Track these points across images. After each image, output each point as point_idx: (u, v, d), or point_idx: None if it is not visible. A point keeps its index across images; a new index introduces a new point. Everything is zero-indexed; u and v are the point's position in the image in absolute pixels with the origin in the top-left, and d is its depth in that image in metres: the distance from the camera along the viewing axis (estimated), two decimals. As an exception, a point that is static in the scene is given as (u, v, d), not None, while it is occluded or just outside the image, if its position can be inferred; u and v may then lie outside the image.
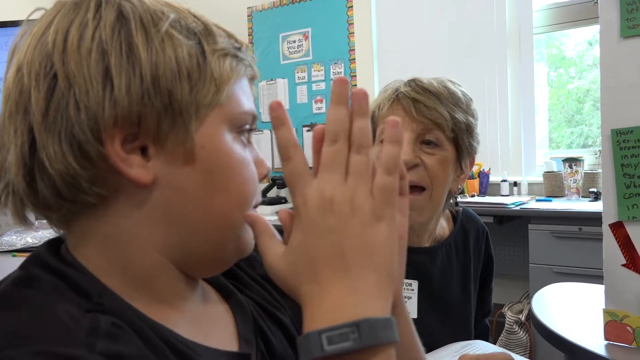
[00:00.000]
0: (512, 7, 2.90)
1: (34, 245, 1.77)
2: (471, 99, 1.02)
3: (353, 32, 3.37)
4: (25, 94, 0.43)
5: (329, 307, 0.40)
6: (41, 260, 0.45)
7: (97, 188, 0.43)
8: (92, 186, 0.43)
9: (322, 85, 3.51)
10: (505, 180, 2.83)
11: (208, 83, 0.45)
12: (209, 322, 0.52)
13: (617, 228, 0.94)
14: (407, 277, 1.02)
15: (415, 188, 0.95)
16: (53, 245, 0.48)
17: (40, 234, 1.83)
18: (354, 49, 3.38)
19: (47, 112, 0.42)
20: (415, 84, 0.97)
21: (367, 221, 0.42)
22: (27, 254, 1.63)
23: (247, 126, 0.50)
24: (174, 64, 0.44)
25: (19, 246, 1.77)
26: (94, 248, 0.46)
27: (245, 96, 0.50)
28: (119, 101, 0.41)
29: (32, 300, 0.41)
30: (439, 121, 0.94)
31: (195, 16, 0.48)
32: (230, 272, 0.60)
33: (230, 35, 0.50)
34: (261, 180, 0.53)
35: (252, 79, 0.53)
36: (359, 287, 0.40)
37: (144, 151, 0.44)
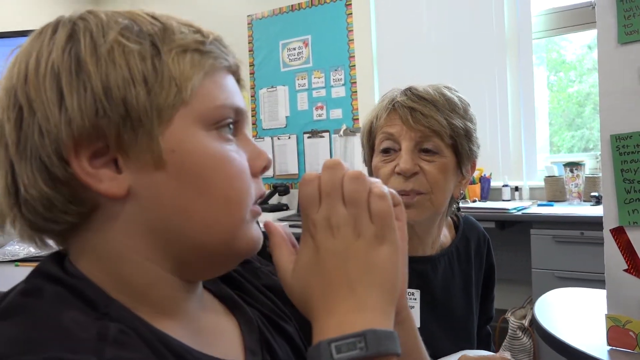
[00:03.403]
0: (511, 12, 2.91)
1: (37, 254, 1.77)
2: (468, 104, 1.02)
3: (353, 39, 3.39)
4: (1, 127, 0.44)
5: (337, 322, 0.43)
6: (45, 272, 0.45)
7: (76, 206, 0.44)
8: (71, 205, 0.44)
9: (323, 92, 3.52)
10: (506, 185, 2.83)
11: (167, 84, 0.44)
12: (214, 333, 0.52)
13: (618, 233, 0.94)
14: (410, 286, 1.01)
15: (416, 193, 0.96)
16: (57, 257, 0.48)
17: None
18: (353, 56, 3.39)
19: (19, 142, 0.43)
20: (411, 93, 0.97)
21: (370, 244, 0.45)
22: (30, 264, 1.64)
23: (229, 120, 0.48)
24: (126, 71, 0.43)
25: (21, 256, 1.77)
26: (92, 262, 0.46)
27: (220, 89, 0.47)
28: (73, 119, 0.42)
29: (38, 309, 0.41)
30: (436, 128, 0.94)
31: (154, 18, 0.47)
32: (235, 282, 0.60)
33: (197, 31, 0.48)
34: (261, 173, 0.51)
35: (233, 71, 0.50)
36: (364, 304, 0.43)
37: (117, 163, 0.44)
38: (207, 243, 0.46)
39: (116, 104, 0.42)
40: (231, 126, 0.48)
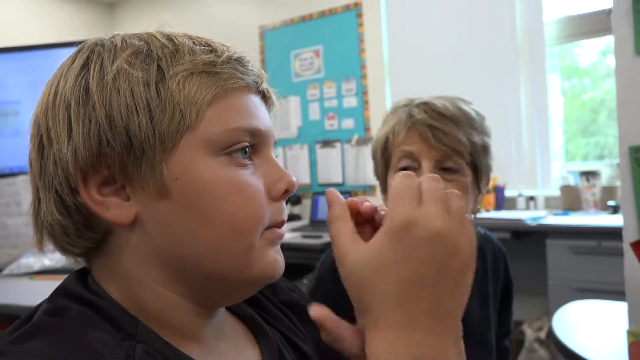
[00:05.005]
0: (524, 19, 2.89)
1: (51, 267, 1.78)
2: (484, 117, 1.00)
3: (364, 49, 3.39)
4: (30, 155, 0.46)
5: (410, 344, 0.39)
6: (70, 291, 0.45)
7: (89, 232, 0.45)
8: (86, 230, 0.44)
9: (334, 102, 3.52)
10: (521, 195, 2.80)
11: (170, 109, 0.43)
12: (236, 357, 0.51)
13: (638, 246, 0.92)
14: None
15: None
16: (80, 275, 0.49)
17: (58, 256, 1.84)
18: (365, 66, 3.40)
19: (41, 171, 0.45)
20: (430, 109, 0.94)
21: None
22: (45, 276, 1.64)
23: (243, 144, 0.45)
24: (129, 98, 0.42)
25: (36, 268, 1.79)
26: (112, 284, 0.47)
27: (232, 112, 0.45)
28: (78, 149, 0.42)
29: (64, 329, 0.41)
30: (458, 148, 0.91)
31: (170, 39, 0.46)
32: (254, 299, 0.58)
33: (211, 50, 0.46)
34: (283, 197, 0.48)
35: (254, 90, 0.48)
36: (441, 326, 0.40)
37: (126, 191, 0.44)
38: (217, 271, 0.45)
39: (119, 132, 0.42)
40: (247, 149, 0.46)
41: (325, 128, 3.57)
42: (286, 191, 0.48)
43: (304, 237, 2.80)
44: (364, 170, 3.36)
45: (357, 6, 3.40)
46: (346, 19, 3.45)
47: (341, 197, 0.45)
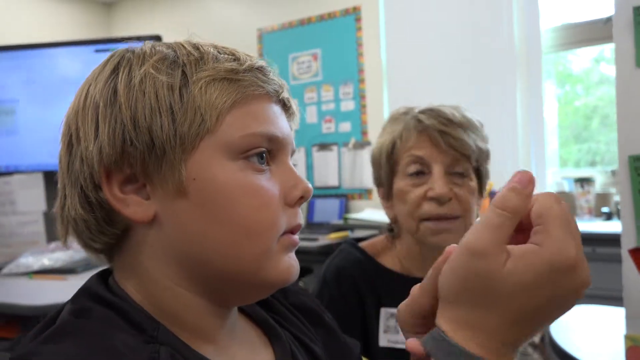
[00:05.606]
0: (521, 26, 2.92)
1: (50, 267, 1.78)
2: (483, 124, 1.02)
3: (362, 53, 3.41)
4: (60, 152, 0.49)
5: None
6: (93, 293, 0.47)
7: (110, 227, 0.46)
8: (107, 226, 0.46)
9: (332, 106, 3.54)
10: (516, 200, 2.83)
11: (192, 113, 0.44)
12: (252, 357, 0.52)
13: (637, 253, 0.95)
14: None
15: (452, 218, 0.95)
16: (102, 276, 0.50)
17: (56, 255, 1.84)
18: (363, 70, 3.41)
19: (68, 168, 0.47)
20: (437, 115, 0.96)
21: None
22: (44, 275, 1.64)
23: (260, 149, 0.47)
24: (154, 101, 0.44)
25: (35, 268, 1.78)
26: (132, 284, 0.48)
27: (251, 118, 0.47)
28: (103, 147, 0.44)
29: (90, 330, 0.42)
30: (467, 152, 0.93)
31: (196, 47, 0.48)
32: (267, 302, 0.60)
33: (235, 59, 0.48)
34: (299, 203, 0.49)
35: (275, 98, 0.49)
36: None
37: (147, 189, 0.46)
38: (231, 272, 0.46)
39: (142, 133, 0.44)
40: (264, 155, 0.48)
41: (322, 131, 3.58)
42: (302, 197, 0.49)
43: (301, 239, 2.79)
44: (361, 173, 3.38)
45: (356, 10, 3.42)
46: (345, 23, 3.47)
47: (531, 196, 0.41)
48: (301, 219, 0.51)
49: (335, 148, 3.53)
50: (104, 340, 0.41)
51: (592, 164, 3.04)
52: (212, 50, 0.48)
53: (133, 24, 4.44)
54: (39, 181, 2.54)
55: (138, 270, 0.47)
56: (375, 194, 1.07)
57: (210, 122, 0.45)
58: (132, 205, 0.45)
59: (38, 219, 2.53)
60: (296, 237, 0.50)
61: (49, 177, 2.55)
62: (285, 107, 0.52)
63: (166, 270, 0.46)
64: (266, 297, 0.53)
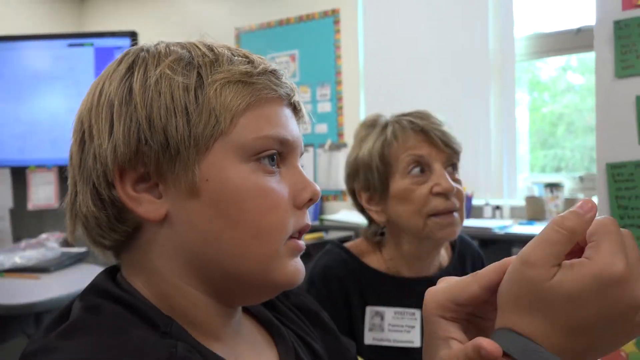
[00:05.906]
0: (496, 35, 3.00)
1: (22, 265, 1.74)
2: None
3: (340, 55, 3.43)
4: (71, 149, 0.49)
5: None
6: (102, 289, 0.47)
7: (121, 225, 0.46)
8: (118, 223, 0.46)
9: (308, 107, 3.53)
10: (487, 204, 2.89)
11: (206, 114, 0.45)
12: (256, 356, 0.53)
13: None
14: (410, 306, 1.04)
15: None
16: (110, 273, 0.50)
17: (28, 253, 1.80)
18: (340, 72, 3.44)
19: (80, 164, 0.47)
20: (425, 117, 1.02)
21: None
22: (16, 274, 1.60)
23: (271, 151, 0.48)
24: (169, 101, 0.44)
25: (7, 266, 1.74)
26: (139, 280, 0.48)
27: (264, 121, 0.47)
28: (118, 146, 0.44)
29: (105, 326, 0.42)
30: (459, 149, 1.01)
31: (211, 49, 0.48)
32: (271, 303, 0.61)
33: (249, 62, 0.48)
34: (307, 206, 0.50)
35: (286, 101, 0.50)
36: None
37: (159, 189, 0.47)
38: (239, 272, 0.47)
39: (157, 132, 0.44)
40: (275, 157, 0.49)
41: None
42: (310, 200, 0.50)
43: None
44: (337, 175, 3.40)
45: (334, 13, 3.44)
46: (323, 25, 3.49)
47: (590, 222, 0.40)
48: (309, 220, 0.52)
49: (311, 149, 3.54)
50: (120, 335, 0.41)
51: (558, 169, 3.13)
52: (226, 51, 0.48)
53: (106, 19, 4.35)
54: (5, 177, 2.47)
55: (147, 267, 0.47)
56: (349, 197, 1.11)
57: (225, 124, 0.46)
58: (145, 204, 0.46)
59: (4, 216, 2.46)
60: (302, 242, 0.51)
61: (16, 173, 2.49)
62: (296, 110, 0.53)
63: (175, 268, 0.47)
64: (271, 297, 0.54)
